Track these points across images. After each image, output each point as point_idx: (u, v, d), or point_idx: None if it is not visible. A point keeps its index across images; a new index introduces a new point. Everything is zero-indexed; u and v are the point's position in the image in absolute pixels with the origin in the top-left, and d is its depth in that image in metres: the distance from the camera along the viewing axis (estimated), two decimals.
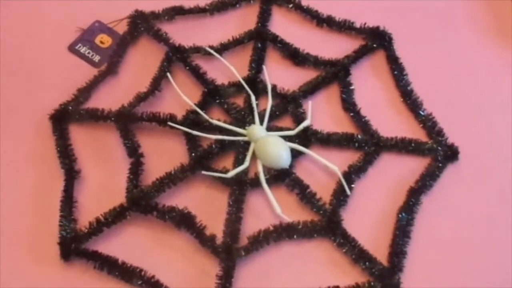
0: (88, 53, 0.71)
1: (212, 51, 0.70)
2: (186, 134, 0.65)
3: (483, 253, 0.61)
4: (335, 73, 0.69)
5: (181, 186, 0.62)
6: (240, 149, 0.65)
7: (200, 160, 0.63)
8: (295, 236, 0.60)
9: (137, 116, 0.65)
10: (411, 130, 0.67)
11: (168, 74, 0.68)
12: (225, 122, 0.65)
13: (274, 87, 0.68)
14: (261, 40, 0.71)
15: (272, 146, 0.62)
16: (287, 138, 0.64)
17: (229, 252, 0.58)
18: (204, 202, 0.62)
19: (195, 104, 0.66)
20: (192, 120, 0.65)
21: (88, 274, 0.58)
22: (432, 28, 0.75)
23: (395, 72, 0.70)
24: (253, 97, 0.66)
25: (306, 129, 0.65)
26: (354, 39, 0.73)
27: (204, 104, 0.67)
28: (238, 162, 0.64)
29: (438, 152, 0.65)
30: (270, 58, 0.71)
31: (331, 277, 0.59)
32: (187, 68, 0.70)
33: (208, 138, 0.64)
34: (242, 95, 0.68)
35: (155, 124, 0.65)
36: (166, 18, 0.73)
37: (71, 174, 0.63)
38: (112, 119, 0.65)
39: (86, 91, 0.68)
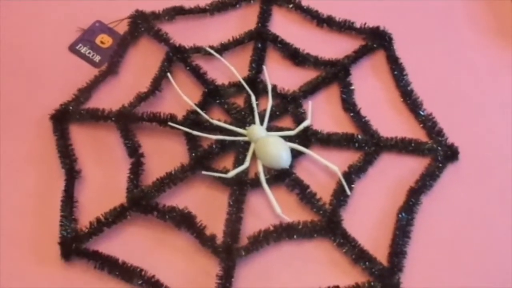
0: (89, 53, 0.71)
1: (212, 51, 0.70)
2: (187, 134, 0.65)
3: (483, 253, 0.61)
4: (335, 73, 0.69)
5: (182, 186, 0.62)
6: (240, 149, 0.65)
7: (201, 160, 0.63)
8: (295, 236, 0.60)
9: (138, 116, 0.65)
10: (411, 130, 0.67)
11: (169, 74, 0.68)
12: (225, 122, 0.65)
13: (274, 87, 0.68)
14: (261, 40, 0.71)
15: (272, 146, 0.62)
16: (287, 138, 0.64)
17: (229, 252, 0.58)
18: (205, 202, 0.62)
19: (195, 104, 0.66)
20: (193, 120, 0.66)
21: (89, 274, 0.58)
22: (432, 28, 0.75)
23: (395, 72, 0.70)
24: (253, 97, 0.66)
25: (306, 129, 0.65)
26: (354, 39, 0.73)
27: (204, 104, 0.67)
28: (238, 162, 0.64)
29: (438, 152, 0.65)
30: (270, 58, 0.71)
31: (331, 277, 0.59)
32: (188, 68, 0.70)
33: (209, 138, 0.64)
34: (242, 95, 0.68)
35: (155, 124, 0.65)
36: (167, 18, 0.73)
37: (72, 174, 0.63)
38: (113, 119, 0.65)
39: (86, 91, 0.68)
